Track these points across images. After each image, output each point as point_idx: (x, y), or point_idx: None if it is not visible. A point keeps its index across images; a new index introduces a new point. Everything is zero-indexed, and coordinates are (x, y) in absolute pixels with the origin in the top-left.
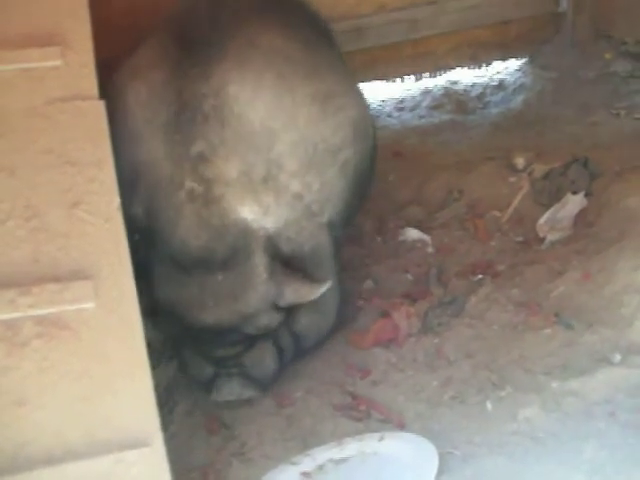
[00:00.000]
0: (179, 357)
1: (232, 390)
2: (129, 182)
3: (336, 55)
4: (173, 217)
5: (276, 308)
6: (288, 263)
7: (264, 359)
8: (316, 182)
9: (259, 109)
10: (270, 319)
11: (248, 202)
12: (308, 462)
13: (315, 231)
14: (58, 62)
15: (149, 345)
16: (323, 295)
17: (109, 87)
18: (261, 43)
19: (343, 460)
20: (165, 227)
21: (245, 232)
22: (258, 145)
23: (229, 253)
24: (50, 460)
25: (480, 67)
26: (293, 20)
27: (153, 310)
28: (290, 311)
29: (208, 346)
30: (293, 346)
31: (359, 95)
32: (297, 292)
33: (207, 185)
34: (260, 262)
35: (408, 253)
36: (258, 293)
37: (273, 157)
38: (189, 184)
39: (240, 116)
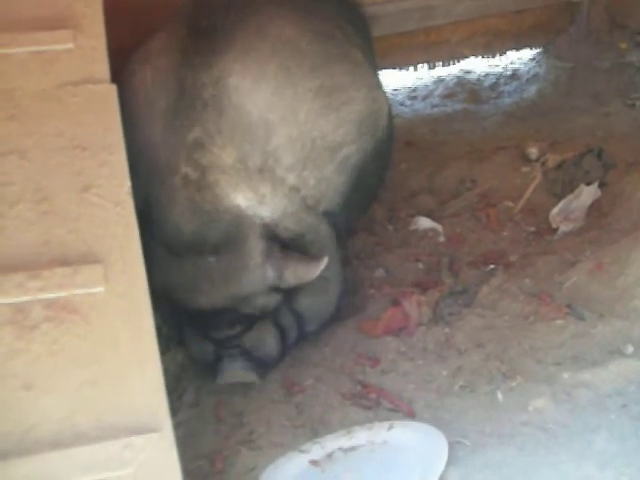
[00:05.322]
0: (183, 341)
1: (236, 372)
2: (129, 165)
3: (357, 43)
4: (167, 202)
5: (274, 289)
6: (286, 245)
7: (265, 339)
8: (312, 178)
9: (258, 101)
10: (267, 300)
11: (243, 189)
12: (317, 450)
13: (314, 222)
14: (70, 45)
15: (159, 330)
16: (323, 277)
17: (122, 70)
18: (270, 31)
19: (352, 449)
20: (159, 211)
21: (239, 219)
22: (255, 136)
23: (221, 238)
24: (58, 444)
25: (494, 56)
26: (312, 6)
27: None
28: (290, 292)
29: (207, 328)
30: (295, 326)
31: (372, 88)
32: (295, 273)
33: (202, 171)
34: (254, 246)
35: (419, 242)
36: (252, 276)
37: (270, 149)
38: (184, 169)
39: (238, 107)
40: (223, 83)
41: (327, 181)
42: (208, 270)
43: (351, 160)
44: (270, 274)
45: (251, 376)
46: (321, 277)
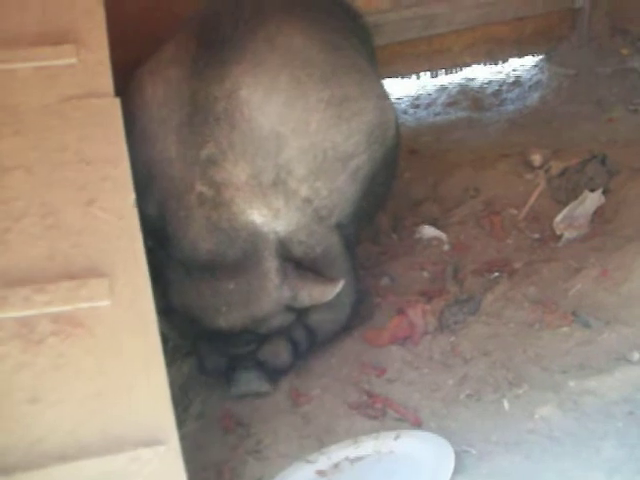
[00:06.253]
0: (195, 352)
1: (249, 383)
2: (144, 180)
3: (362, 54)
4: (184, 220)
5: (289, 309)
6: (300, 265)
7: (278, 353)
8: (325, 188)
9: (270, 114)
10: (283, 320)
11: (257, 205)
12: (323, 460)
13: (326, 233)
14: (73, 60)
15: (167, 340)
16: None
17: (130, 82)
18: (279, 42)
19: (359, 458)
20: (176, 230)
21: (255, 236)
22: (267, 149)
23: (239, 257)
24: (64, 457)
25: (496, 64)
26: (318, 17)
27: (168, 310)
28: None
29: (223, 345)
30: (306, 339)
31: (380, 97)
32: (311, 295)
33: (217, 189)
34: (271, 267)
35: (424, 251)
36: (271, 298)
37: (282, 162)
38: (199, 187)
39: (250, 120)
40: (235, 96)
41: (339, 191)
42: (228, 293)
43: (362, 170)
44: (286, 294)
45: (264, 386)
46: None
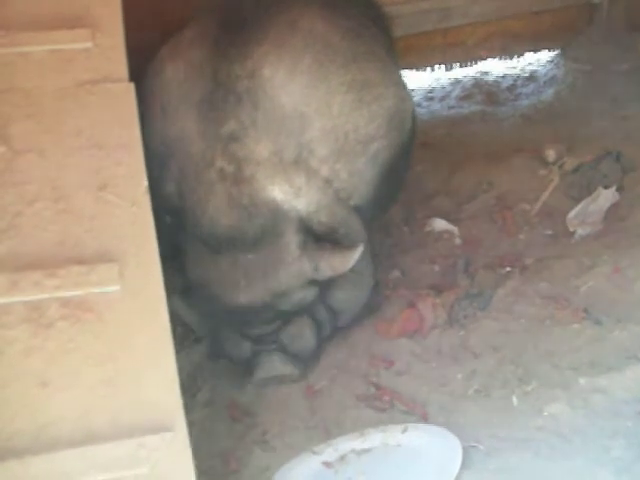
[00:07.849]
0: (215, 337)
1: (273, 367)
2: (162, 159)
3: (382, 42)
4: (203, 196)
5: (310, 283)
6: (320, 238)
7: (302, 333)
8: (345, 170)
9: (293, 93)
10: (304, 295)
11: (279, 182)
12: (330, 452)
13: (347, 215)
14: (88, 44)
15: (173, 329)
16: (357, 271)
17: (148, 65)
18: (302, 26)
19: (365, 451)
20: (196, 206)
21: (276, 212)
22: (290, 128)
23: (259, 233)
24: (72, 442)
25: (511, 58)
26: (340, 4)
27: (187, 290)
28: (325, 286)
29: (244, 325)
30: (330, 319)
31: (399, 86)
32: (331, 264)
33: (238, 165)
34: (291, 240)
35: (435, 244)
36: (290, 270)
37: (304, 141)
38: (220, 163)
39: (273, 99)
40: (257, 75)
41: (359, 174)
42: (246, 266)
43: (381, 155)
44: (306, 267)
45: (289, 369)
46: (354, 271)
